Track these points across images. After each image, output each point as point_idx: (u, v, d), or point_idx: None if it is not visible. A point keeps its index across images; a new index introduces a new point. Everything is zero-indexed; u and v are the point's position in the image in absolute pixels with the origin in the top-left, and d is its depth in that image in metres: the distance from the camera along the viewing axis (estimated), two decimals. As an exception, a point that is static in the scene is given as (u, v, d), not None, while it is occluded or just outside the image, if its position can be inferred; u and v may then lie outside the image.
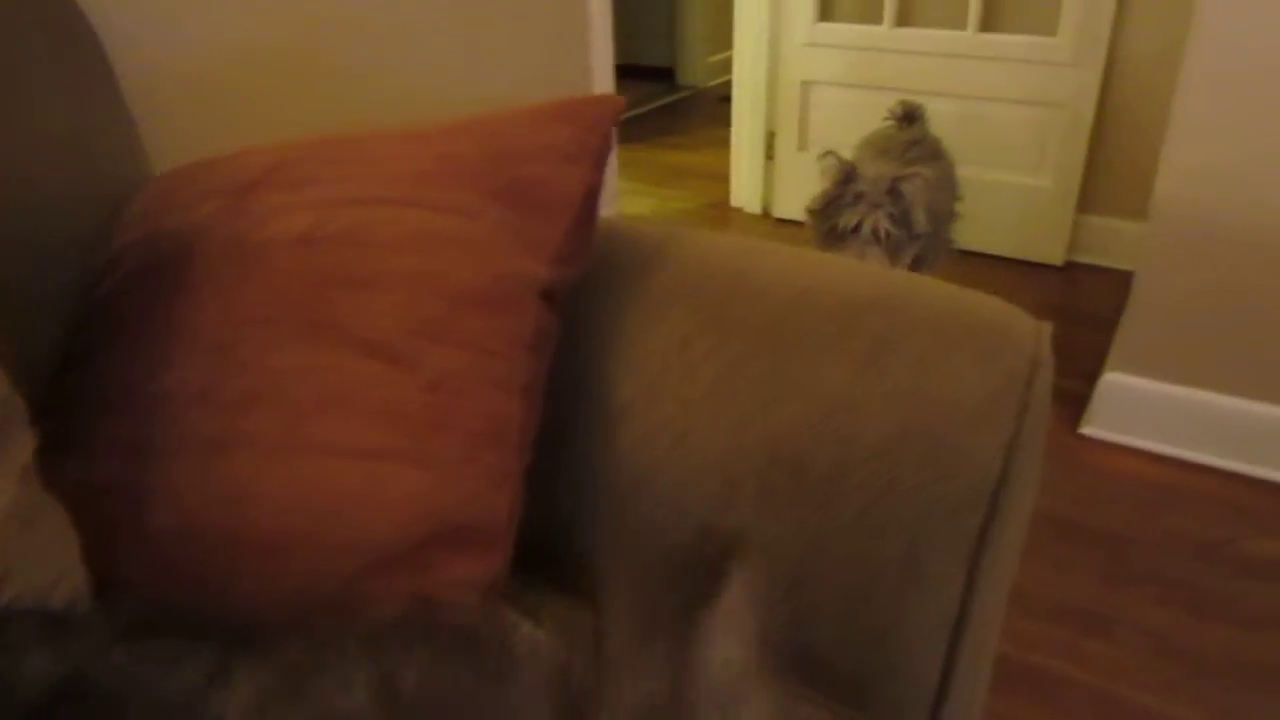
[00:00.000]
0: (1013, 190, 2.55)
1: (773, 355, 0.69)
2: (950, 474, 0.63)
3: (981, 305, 0.71)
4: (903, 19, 2.55)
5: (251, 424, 0.61)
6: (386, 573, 0.58)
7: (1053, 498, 1.71)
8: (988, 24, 2.44)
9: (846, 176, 1.76)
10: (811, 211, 1.83)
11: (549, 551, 0.76)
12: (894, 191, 1.74)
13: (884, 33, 2.54)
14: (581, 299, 0.76)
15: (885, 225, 1.72)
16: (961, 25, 2.45)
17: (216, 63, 1.09)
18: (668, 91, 4.57)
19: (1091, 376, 1.94)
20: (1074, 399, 1.97)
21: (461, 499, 0.61)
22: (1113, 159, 2.46)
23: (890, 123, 2.06)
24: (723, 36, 3.61)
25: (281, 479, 0.59)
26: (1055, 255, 2.60)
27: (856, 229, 1.74)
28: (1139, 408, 1.83)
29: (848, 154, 2.05)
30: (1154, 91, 2.30)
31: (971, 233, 2.54)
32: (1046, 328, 0.71)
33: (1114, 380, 1.85)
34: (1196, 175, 1.62)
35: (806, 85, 2.73)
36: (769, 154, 2.93)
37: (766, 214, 3.02)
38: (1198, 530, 1.62)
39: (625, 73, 4.72)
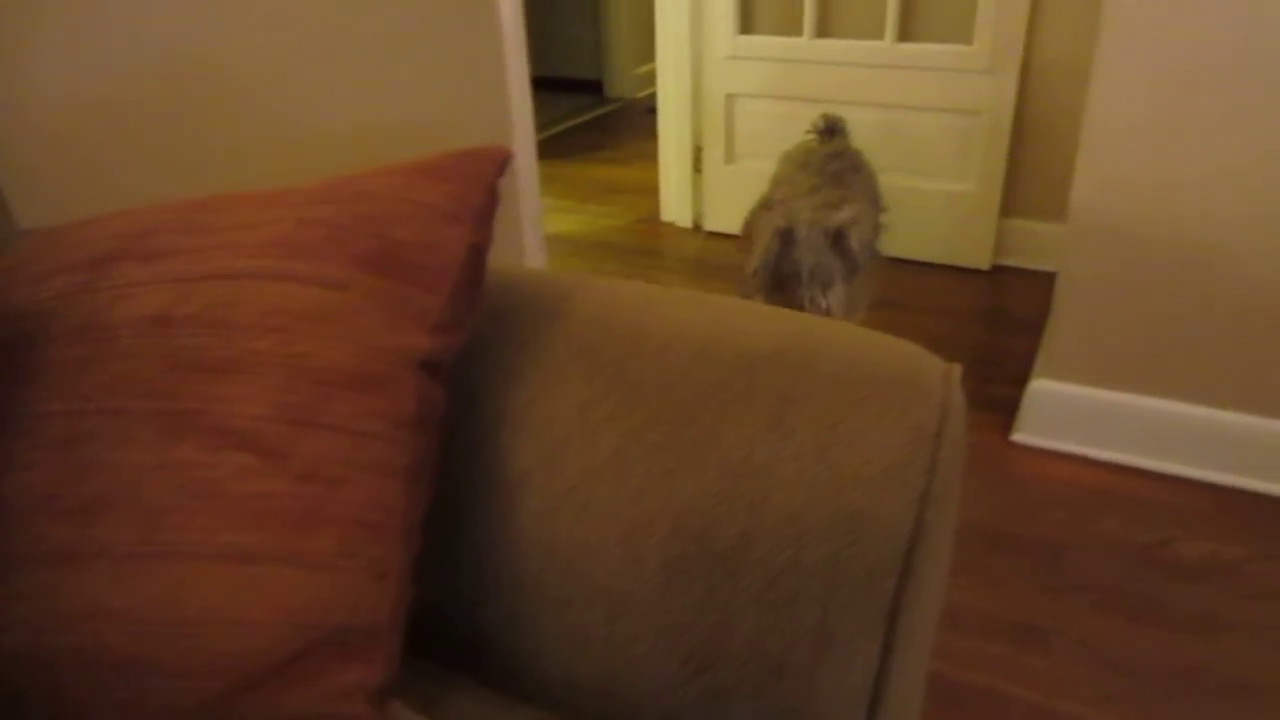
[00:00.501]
0: (938, 197, 2.56)
1: (675, 418, 0.65)
2: (861, 538, 0.60)
3: (890, 353, 0.69)
4: (822, 30, 2.54)
5: (104, 531, 0.55)
6: (259, 690, 0.53)
7: (986, 509, 1.71)
8: (905, 34, 2.45)
9: (785, 240, 1.65)
10: (756, 278, 1.72)
11: (450, 632, 0.72)
12: (839, 240, 1.66)
13: (804, 44, 2.54)
14: (474, 362, 0.72)
15: (839, 299, 1.65)
16: (880, 35, 2.45)
17: (85, 117, 1.03)
18: (595, 104, 4.54)
19: (1022, 382, 1.95)
20: (1005, 405, 1.98)
21: (340, 599, 0.56)
22: (1033, 163, 2.48)
23: (812, 136, 2.04)
24: (650, 47, 3.60)
25: (138, 591, 0.54)
26: (982, 259, 2.62)
27: (803, 273, 1.66)
28: (1067, 413, 1.83)
29: (770, 168, 2.03)
30: (1068, 97, 2.32)
31: (900, 240, 2.55)
32: (956, 370, 0.69)
33: (1041, 387, 1.85)
34: (1110, 183, 1.63)
35: (731, 98, 2.72)
36: (697, 167, 2.91)
37: (698, 228, 3.00)
38: (1130, 534, 1.63)
39: (552, 86, 4.70)
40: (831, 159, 1.90)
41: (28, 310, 0.64)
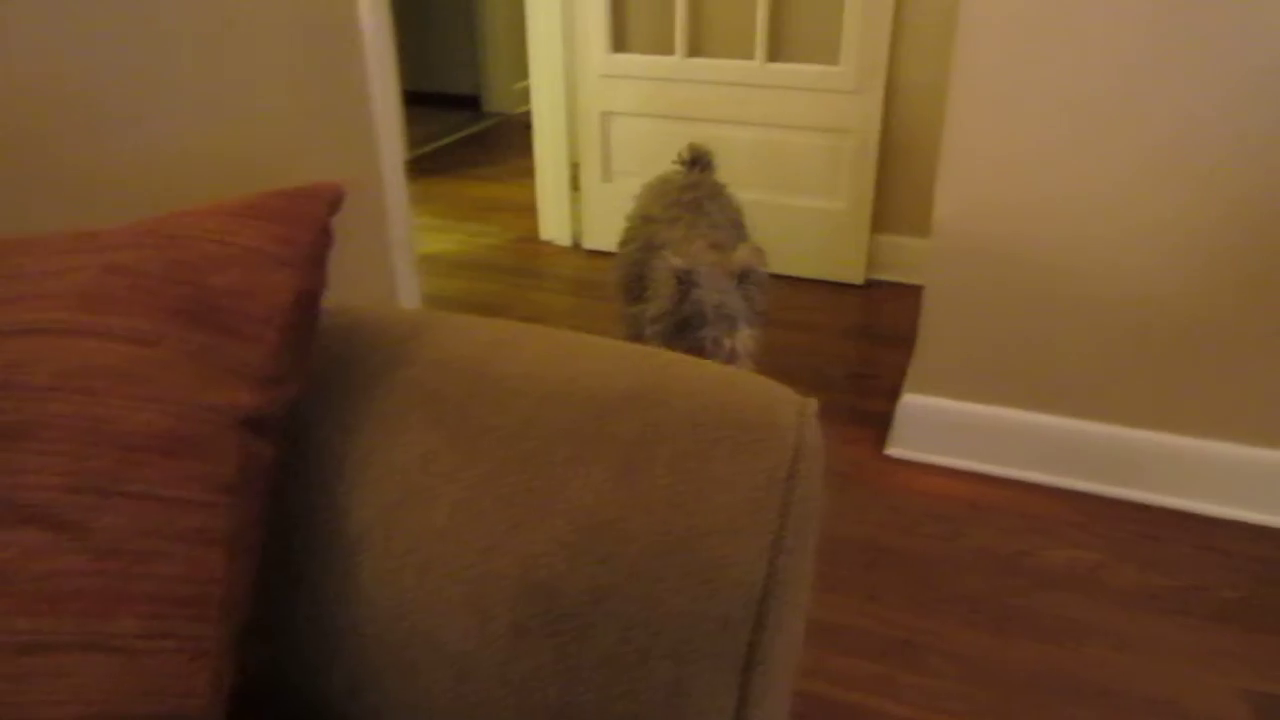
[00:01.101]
0: (811, 214, 2.60)
1: (522, 468, 0.62)
2: (714, 589, 0.58)
3: (744, 392, 0.67)
4: (694, 49, 2.56)
5: None
6: (51, 793, 0.48)
7: (863, 525, 1.73)
8: (775, 54, 2.48)
9: (686, 282, 1.55)
10: (657, 324, 1.61)
11: (290, 702, 0.67)
12: (743, 280, 1.59)
13: (676, 63, 2.55)
14: (309, 414, 0.68)
15: (745, 341, 1.56)
16: (750, 55, 2.48)
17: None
18: (474, 120, 4.47)
19: (897, 396, 1.99)
20: (881, 420, 2.01)
21: (148, 685, 0.51)
22: (901, 181, 2.55)
23: (678, 168, 1.98)
24: (527, 62, 3.56)
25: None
26: (856, 275, 2.68)
27: (714, 312, 1.56)
28: (938, 427, 1.88)
29: (630, 203, 1.99)
30: (932, 117, 2.40)
31: (776, 257, 2.58)
32: (810, 406, 0.68)
33: (912, 401, 1.89)
34: (969, 203, 1.67)
35: (606, 115, 2.71)
36: (574, 185, 2.89)
37: (577, 246, 2.98)
38: (999, 545, 1.67)
39: (429, 101, 4.61)
40: (688, 188, 1.86)
41: None
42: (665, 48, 2.57)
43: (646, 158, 2.66)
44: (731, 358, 1.56)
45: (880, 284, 2.70)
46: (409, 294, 2.08)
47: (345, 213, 1.92)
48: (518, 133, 4.29)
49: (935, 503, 1.79)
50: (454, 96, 4.60)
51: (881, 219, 2.62)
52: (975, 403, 1.84)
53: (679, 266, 1.53)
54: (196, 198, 1.44)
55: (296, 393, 0.64)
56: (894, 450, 1.94)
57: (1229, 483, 1.71)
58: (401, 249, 2.04)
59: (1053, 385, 1.77)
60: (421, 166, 3.85)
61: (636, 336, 1.69)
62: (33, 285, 0.57)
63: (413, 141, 4.00)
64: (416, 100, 4.53)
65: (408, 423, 0.66)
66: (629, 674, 0.58)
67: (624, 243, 1.84)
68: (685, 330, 1.56)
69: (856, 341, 2.41)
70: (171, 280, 0.58)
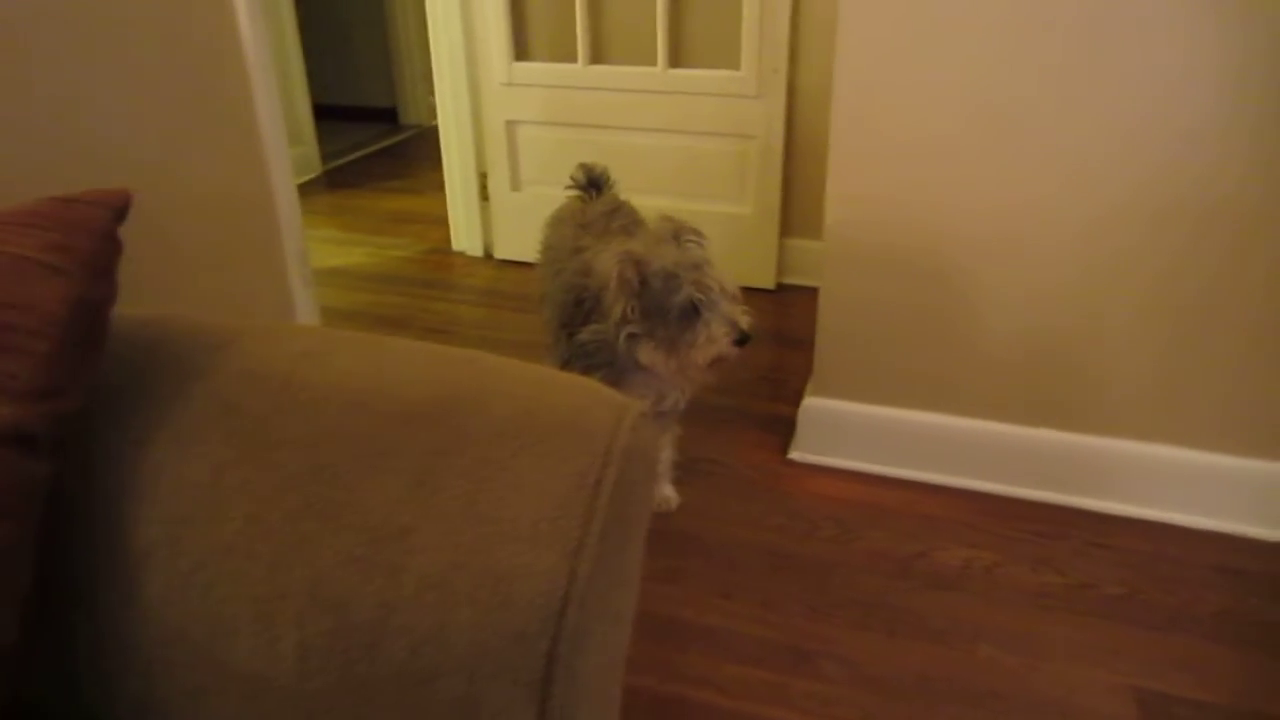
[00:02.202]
0: (719, 219, 2.60)
1: (315, 481, 0.60)
2: (509, 600, 0.56)
3: (561, 396, 0.66)
4: (596, 56, 2.55)
5: None
6: None
7: (762, 531, 1.73)
8: (676, 59, 2.48)
9: (639, 274, 1.49)
10: (634, 332, 1.52)
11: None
12: (679, 237, 1.55)
13: (579, 71, 2.54)
14: (99, 428, 0.64)
15: (725, 276, 1.51)
16: (652, 62, 2.48)
17: None
18: (390, 133, 4.42)
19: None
20: (787, 424, 2.01)
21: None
22: (806, 185, 2.56)
23: (575, 194, 1.89)
24: (436, 74, 3.53)
25: None
26: (767, 279, 2.69)
27: (705, 294, 1.50)
28: (838, 429, 1.89)
29: (555, 194, 1.92)
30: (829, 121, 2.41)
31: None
32: (631, 411, 0.67)
33: (813, 404, 1.90)
34: (857, 207, 1.68)
35: (511, 124, 2.68)
36: (484, 195, 2.86)
37: (489, 256, 2.95)
38: (893, 547, 1.67)
39: (347, 114, 4.55)
40: (611, 215, 1.79)
41: None
42: (568, 55, 2.56)
43: (554, 166, 2.64)
44: (736, 333, 1.50)
45: (791, 288, 2.71)
46: (305, 308, 2.03)
47: (235, 229, 1.87)
48: (434, 144, 4.23)
49: (834, 506, 1.79)
50: (371, 110, 4.54)
51: (790, 223, 2.63)
52: (873, 405, 1.85)
53: (627, 258, 1.48)
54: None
55: (75, 406, 0.60)
56: (796, 454, 1.94)
57: (1119, 479, 1.74)
58: (296, 263, 1.99)
59: (947, 386, 1.78)
60: (335, 180, 3.79)
61: (584, 369, 1.62)
62: None
63: (327, 155, 3.93)
64: (333, 114, 4.46)
65: (203, 436, 0.63)
66: (419, 691, 0.56)
67: (554, 275, 1.77)
68: (681, 317, 1.49)
69: (767, 346, 2.41)
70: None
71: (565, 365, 1.65)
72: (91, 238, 0.60)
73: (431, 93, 4.48)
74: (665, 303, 1.49)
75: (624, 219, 1.76)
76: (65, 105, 1.39)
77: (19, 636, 0.56)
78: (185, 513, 0.61)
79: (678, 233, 1.55)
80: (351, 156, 4.06)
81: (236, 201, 1.81)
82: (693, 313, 1.50)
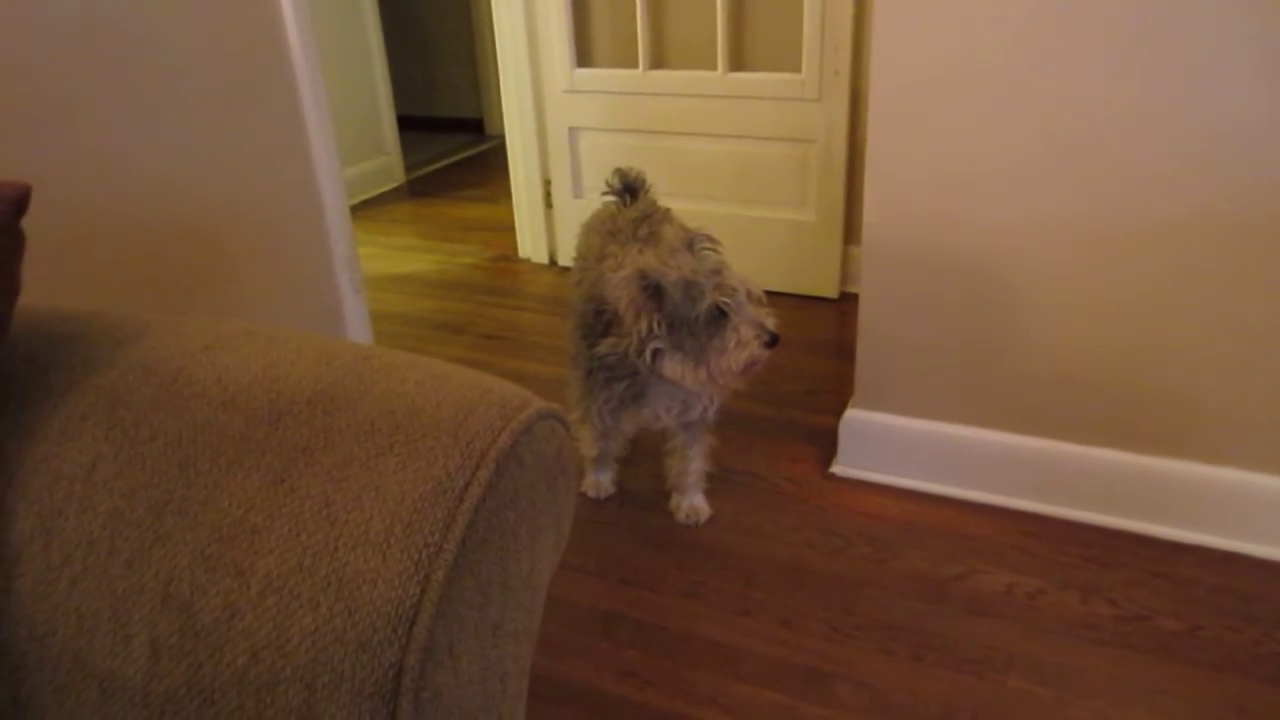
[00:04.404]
0: (780, 226, 2.54)
1: (180, 475, 0.59)
2: (352, 607, 0.54)
3: (451, 392, 0.63)
4: (657, 62, 2.53)
5: None
6: None
7: (790, 546, 1.66)
8: (737, 63, 2.44)
9: (654, 283, 1.44)
10: (659, 346, 1.47)
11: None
12: (693, 246, 1.49)
13: (639, 76, 2.52)
14: (-6, 422, 0.65)
15: (747, 279, 1.47)
16: (712, 66, 2.44)
17: None
18: (474, 143, 4.49)
19: (845, 413, 1.92)
20: (832, 438, 1.93)
21: None
22: (873, 191, 2.47)
23: (611, 198, 1.86)
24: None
25: None
26: (829, 288, 2.61)
27: (730, 297, 1.46)
28: (880, 443, 1.81)
29: (572, 243, 1.88)
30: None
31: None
32: (526, 410, 0.63)
33: (854, 417, 1.82)
34: (897, 212, 1.61)
35: (574, 131, 2.68)
36: (548, 202, 2.87)
37: (553, 263, 2.96)
38: (932, 568, 1.59)
39: (435, 126, 4.65)
40: (639, 223, 1.74)
41: None
42: (628, 61, 2.54)
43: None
44: (764, 336, 1.45)
45: (855, 297, 2.62)
46: (355, 314, 2.07)
47: (284, 238, 1.91)
48: (517, 153, 4.30)
49: (871, 523, 1.71)
50: (457, 120, 4.63)
51: (855, 230, 2.54)
52: (918, 418, 1.76)
53: (634, 277, 1.43)
54: (118, 213, 1.46)
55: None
56: (838, 468, 1.87)
57: (1184, 504, 1.61)
58: (345, 269, 2.03)
59: (996, 400, 1.68)
60: (416, 189, 3.87)
61: (606, 380, 1.60)
62: None
63: (411, 165, 4.02)
64: (421, 125, 4.57)
65: (83, 429, 0.62)
66: (259, 697, 0.54)
67: (579, 283, 1.75)
68: (708, 325, 1.44)
69: (823, 357, 2.34)
70: None
71: (588, 376, 1.63)
72: (-16, 229, 0.61)
73: (515, 103, 4.56)
74: (689, 313, 1.44)
75: (652, 226, 1.72)
76: (128, 135, 1.46)
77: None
78: (58, 506, 0.60)
79: (691, 240, 1.51)
80: (434, 166, 4.14)
81: (286, 212, 1.85)
82: (720, 319, 1.45)
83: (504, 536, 0.60)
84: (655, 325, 1.45)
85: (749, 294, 1.49)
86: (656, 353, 1.48)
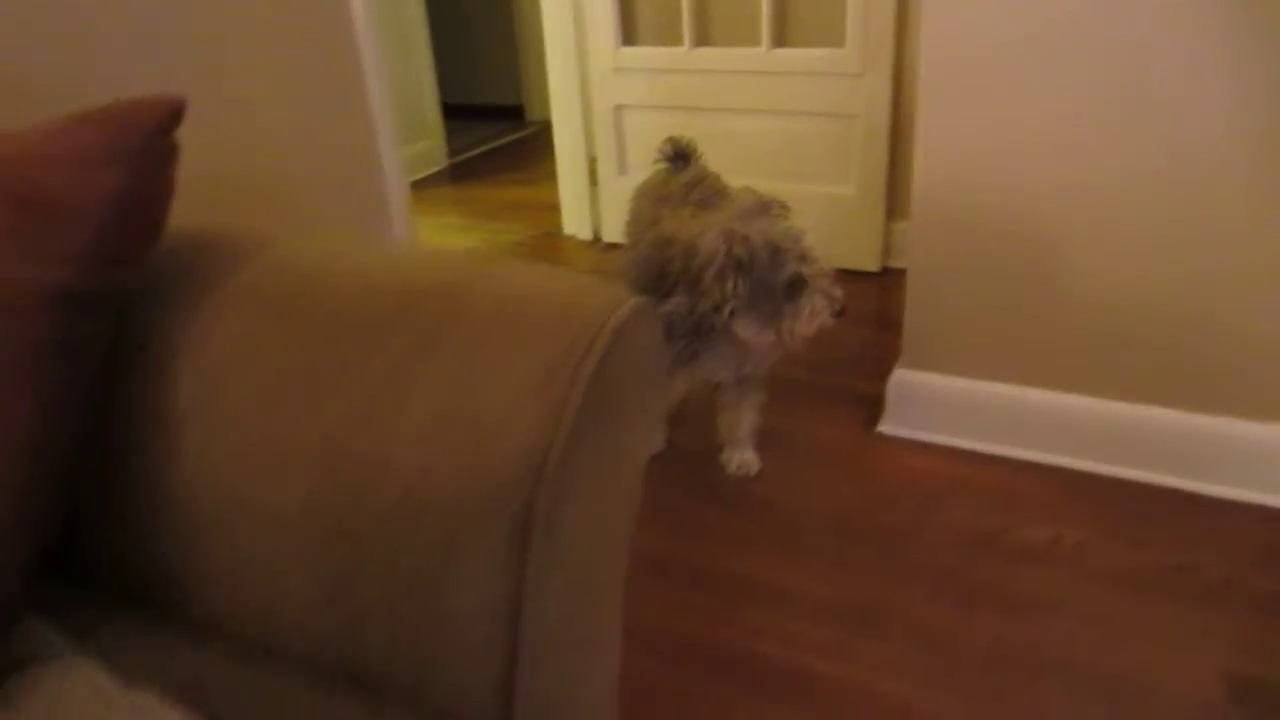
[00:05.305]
0: (822, 201, 2.59)
1: (329, 347, 0.66)
2: (489, 452, 0.60)
3: (559, 286, 0.69)
4: (701, 39, 2.59)
5: None
6: None
7: (840, 498, 1.72)
8: (781, 39, 2.49)
9: (739, 255, 1.48)
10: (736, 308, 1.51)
11: (124, 567, 0.71)
12: (766, 211, 1.55)
13: (684, 54, 2.58)
14: (152, 305, 0.72)
15: (813, 247, 1.54)
16: (756, 42, 2.50)
17: None
18: (515, 129, 4.57)
19: (889, 377, 1.96)
20: (878, 402, 1.98)
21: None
22: (911, 166, 2.52)
23: (663, 166, 1.93)
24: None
25: None
26: (871, 262, 2.65)
27: (808, 264, 1.52)
28: (927, 403, 1.85)
29: (617, 219, 1.94)
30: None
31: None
32: (627, 303, 0.69)
33: (902, 376, 1.87)
34: (946, 169, 1.66)
35: (619, 109, 2.75)
36: (593, 180, 2.93)
37: (597, 239, 3.02)
38: (974, 521, 1.63)
39: (475, 113, 4.73)
40: (691, 188, 1.81)
41: None
42: (673, 39, 2.60)
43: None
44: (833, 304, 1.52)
45: (897, 271, 2.66)
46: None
47: (350, 213, 1.96)
48: (553, 139, 4.37)
49: (917, 479, 1.76)
50: (497, 108, 4.71)
51: (897, 205, 2.59)
52: (965, 377, 1.81)
53: (734, 236, 1.47)
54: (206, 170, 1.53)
55: (128, 279, 0.68)
56: (885, 428, 1.92)
57: (1234, 462, 1.64)
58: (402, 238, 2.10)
59: (1044, 358, 1.72)
60: (458, 173, 3.95)
61: (664, 339, 1.64)
62: None
63: (453, 150, 4.11)
64: (462, 113, 4.65)
65: (235, 312, 0.70)
66: (409, 529, 0.60)
67: (632, 246, 1.81)
68: (787, 291, 1.50)
69: (865, 327, 2.39)
70: (-1, 171, 0.64)
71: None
72: (141, 135, 0.68)
73: (555, 90, 4.64)
74: (771, 278, 1.50)
75: (704, 191, 1.78)
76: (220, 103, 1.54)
77: (68, 480, 0.63)
78: (219, 376, 0.67)
79: (765, 205, 1.56)
80: (475, 151, 4.23)
81: (351, 188, 1.92)
82: (799, 285, 1.52)
83: (612, 407, 0.66)
84: (738, 286, 1.50)
85: (822, 264, 1.55)
86: (732, 312, 1.53)
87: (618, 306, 0.68)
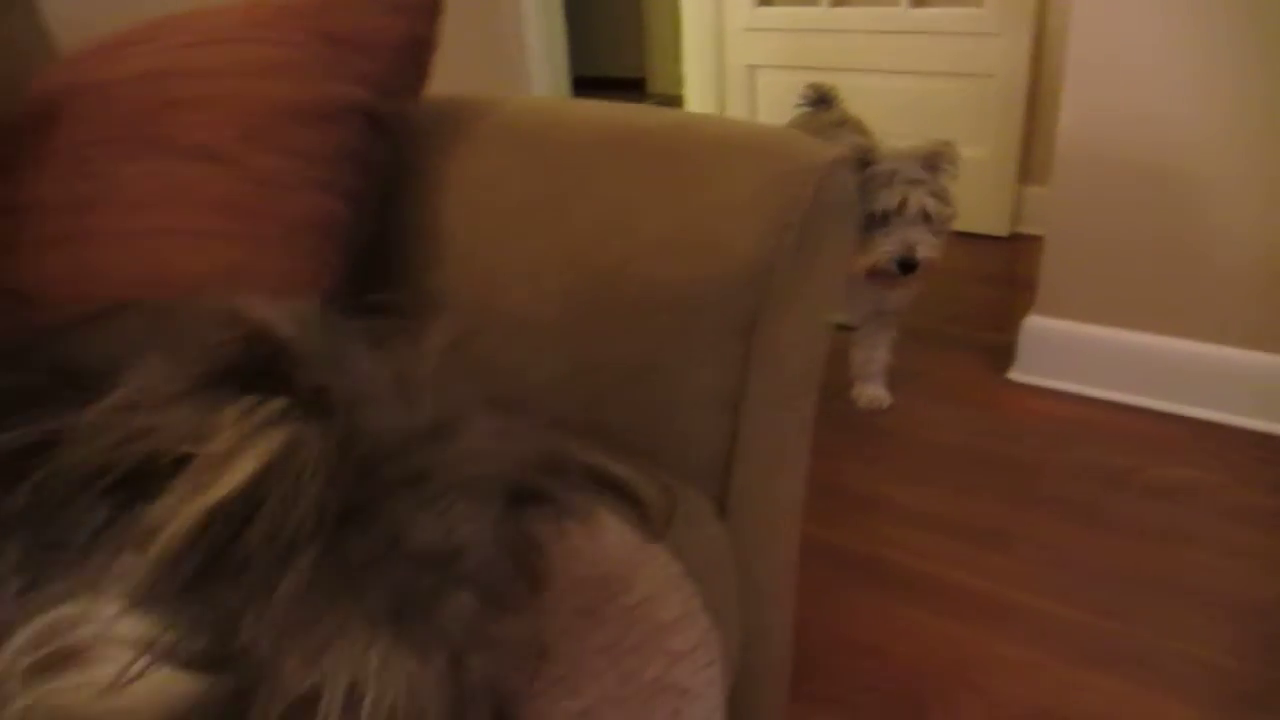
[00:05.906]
0: (953, 163, 2.62)
1: (574, 173, 0.76)
2: (721, 260, 0.69)
3: (770, 132, 0.78)
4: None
5: (96, 220, 0.68)
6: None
7: (969, 434, 1.76)
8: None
9: (864, 159, 1.60)
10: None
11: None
12: (931, 166, 1.63)
13: (820, 14, 2.64)
14: (421, 147, 0.84)
15: (930, 203, 1.60)
16: (894, 2, 2.54)
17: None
18: (637, 101, 4.67)
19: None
20: (1005, 351, 2.01)
21: (278, 270, 0.68)
22: (1051, 129, 2.52)
23: (804, 109, 2.04)
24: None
25: (122, 259, 0.66)
26: (1000, 227, 2.67)
27: (900, 208, 1.58)
28: (1058, 350, 1.88)
29: None
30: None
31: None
32: (831, 151, 0.77)
33: (1035, 323, 1.90)
34: (1094, 115, 1.68)
35: (752, 69, 2.82)
36: (723, 141, 3.01)
37: (723, 200, 3.10)
38: (1105, 459, 1.66)
39: (595, 85, 4.84)
40: (838, 126, 1.91)
41: (63, 86, 0.77)
42: None
43: (791, 109, 2.75)
44: (912, 222, 1.57)
45: (1026, 237, 2.67)
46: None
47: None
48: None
49: (1044, 420, 1.79)
50: (620, 80, 4.82)
51: (1031, 169, 2.59)
52: (1100, 325, 1.82)
53: (862, 144, 1.56)
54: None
55: (406, 107, 0.80)
56: (1015, 374, 1.95)
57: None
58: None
59: (1184, 306, 1.72)
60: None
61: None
62: (221, 18, 0.76)
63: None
64: (582, 85, 4.77)
65: (491, 146, 0.81)
66: (649, 321, 0.70)
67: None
68: (869, 218, 1.57)
69: (994, 287, 2.41)
70: (316, 14, 0.76)
71: None
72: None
73: (678, 61, 4.72)
74: (870, 201, 1.57)
75: (851, 131, 1.86)
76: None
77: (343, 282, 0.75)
78: (478, 198, 0.79)
79: (932, 157, 1.62)
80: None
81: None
82: (881, 221, 1.58)
83: (820, 238, 0.74)
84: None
85: (928, 216, 1.59)
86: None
87: (827, 150, 0.77)
